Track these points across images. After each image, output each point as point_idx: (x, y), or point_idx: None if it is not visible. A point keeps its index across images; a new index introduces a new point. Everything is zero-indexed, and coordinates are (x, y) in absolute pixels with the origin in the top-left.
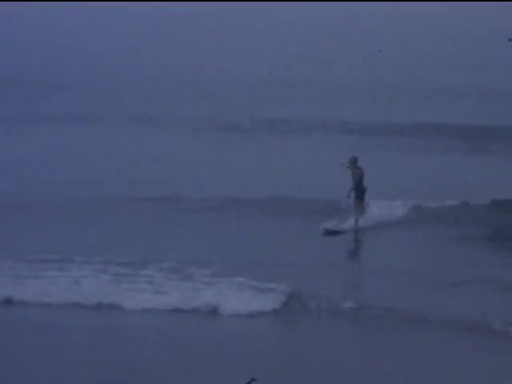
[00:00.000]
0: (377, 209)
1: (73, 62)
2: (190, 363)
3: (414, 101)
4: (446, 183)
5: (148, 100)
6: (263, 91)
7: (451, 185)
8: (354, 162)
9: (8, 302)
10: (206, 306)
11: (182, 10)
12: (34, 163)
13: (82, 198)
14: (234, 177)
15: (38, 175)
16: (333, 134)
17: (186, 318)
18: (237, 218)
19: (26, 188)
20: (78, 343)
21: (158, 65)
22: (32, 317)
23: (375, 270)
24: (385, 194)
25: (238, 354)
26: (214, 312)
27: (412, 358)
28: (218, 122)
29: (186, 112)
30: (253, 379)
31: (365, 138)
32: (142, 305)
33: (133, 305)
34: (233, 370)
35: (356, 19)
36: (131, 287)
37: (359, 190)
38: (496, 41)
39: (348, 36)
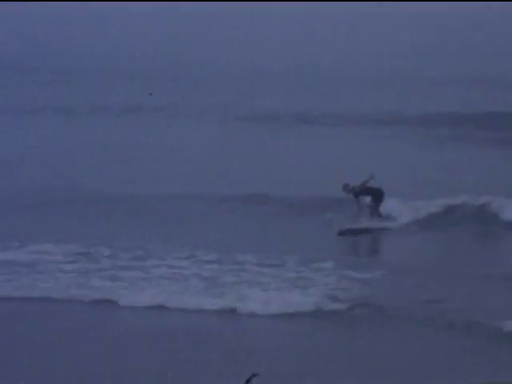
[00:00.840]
0: (408, 207)
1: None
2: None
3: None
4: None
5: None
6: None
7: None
8: (347, 188)
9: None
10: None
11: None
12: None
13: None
14: (272, 172)
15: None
16: (376, 126)
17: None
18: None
19: (117, 182)
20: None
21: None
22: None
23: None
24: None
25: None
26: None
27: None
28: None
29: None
30: (254, 374)
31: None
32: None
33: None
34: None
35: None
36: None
37: (375, 194)
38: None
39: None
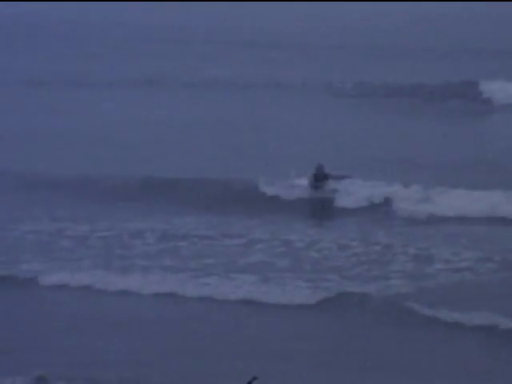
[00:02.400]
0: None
1: None
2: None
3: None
4: None
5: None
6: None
7: None
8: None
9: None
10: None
11: None
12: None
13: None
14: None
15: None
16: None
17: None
18: None
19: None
20: None
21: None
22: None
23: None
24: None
25: None
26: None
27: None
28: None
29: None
30: (254, 377)
31: None
32: None
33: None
34: None
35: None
36: None
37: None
38: None
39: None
